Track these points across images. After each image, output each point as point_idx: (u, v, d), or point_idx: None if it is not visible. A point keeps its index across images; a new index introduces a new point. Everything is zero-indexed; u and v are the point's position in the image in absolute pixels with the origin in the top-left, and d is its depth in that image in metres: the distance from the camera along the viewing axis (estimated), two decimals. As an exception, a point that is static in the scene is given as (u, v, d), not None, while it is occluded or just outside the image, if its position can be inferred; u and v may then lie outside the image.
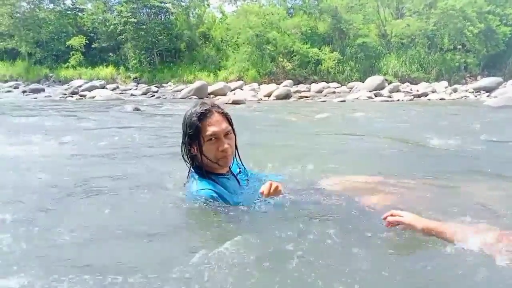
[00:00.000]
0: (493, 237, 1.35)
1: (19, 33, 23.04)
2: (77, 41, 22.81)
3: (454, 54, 21.47)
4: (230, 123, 1.83)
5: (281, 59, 21.29)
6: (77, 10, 25.70)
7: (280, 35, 21.73)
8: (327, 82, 19.52)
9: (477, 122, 6.26)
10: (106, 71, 22.24)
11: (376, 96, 14.31)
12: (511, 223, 1.61)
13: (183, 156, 1.85)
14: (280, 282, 1.18)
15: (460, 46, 21.74)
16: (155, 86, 19.03)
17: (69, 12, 25.31)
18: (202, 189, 1.76)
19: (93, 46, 23.64)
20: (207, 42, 24.34)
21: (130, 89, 18.50)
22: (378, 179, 2.07)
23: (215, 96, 14.60)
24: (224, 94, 14.53)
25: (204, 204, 1.72)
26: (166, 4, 23.80)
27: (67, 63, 22.80)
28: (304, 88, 17.93)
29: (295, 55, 21.40)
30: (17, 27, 23.08)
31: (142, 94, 16.57)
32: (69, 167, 2.81)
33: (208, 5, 26.00)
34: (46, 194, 2.09)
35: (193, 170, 1.86)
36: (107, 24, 23.75)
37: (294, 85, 18.27)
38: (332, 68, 21.18)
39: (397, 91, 15.56)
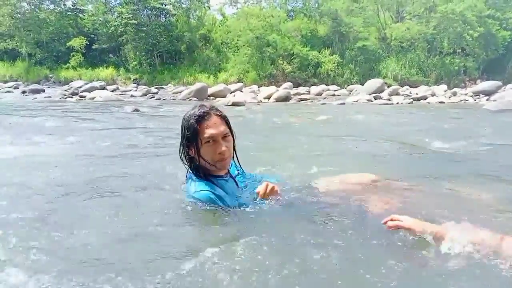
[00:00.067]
0: (494, 241, 1.35)
1: (19, 33, 23.06)
2: (77, 42, 22.83)
3: (454, 58, 21.52)
4: (229, 126, 1.84)
5: (281, 62, 21.33)
6: (78, 11, 25.72)
7: (280, 38, 21.77)
8: (327, 85, 19.56)
9: (476, 125, 6.28)
10: (106, 72, 22.25)
11: (375, 99, 14.33)
12: None
13: (181, 158, 1.87)
14: (280, 283, 1.19)
15: (460, 50, 21.78)
16: (155, 88, 19.05)
17: (69, 13, 25.33)
18: (200, 190, 1.77)
19: (93, 47, 23.67)
20: (207, 44, 24.37)
21: (130, 90, 18.52)
22: (377, 180, 2.07)
23: (215, 98, 14.62)
24: (224, 96, 14.54)
25: (203, 206, 1.73)
26: (167, 6, 23.83)
27: (67, 64, 22.81)
28: (304, 90, 17.94)
29: (295, 58, 21.44)
30: (17, 28, 23.10)
31: (142, 96, 16.59)
32: (74, 167, 2.82)
33: (209, 7, 26.08)
34: (54, 194, 2.11)
35: (191, 171, 1.87)
36: (108, 25, 23.79)
37: (293, 87, 18.29)
38: (332, 71, 21.22)
39: (396, 94, 15.59)
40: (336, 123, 7.09)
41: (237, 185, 1.91)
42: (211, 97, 14.83)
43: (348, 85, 19.88)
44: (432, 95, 15.80)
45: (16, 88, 18.30)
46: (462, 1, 21.49)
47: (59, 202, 1.98)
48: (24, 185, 2.31)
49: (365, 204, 1.81)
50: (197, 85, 15.37)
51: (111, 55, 24.50)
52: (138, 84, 21.26)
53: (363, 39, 22.31)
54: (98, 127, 5.62)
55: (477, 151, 3.84)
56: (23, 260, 1.32)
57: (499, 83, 16.33)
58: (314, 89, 18.13)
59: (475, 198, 2.13)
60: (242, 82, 19.74)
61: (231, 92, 15.92)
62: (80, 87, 16.54)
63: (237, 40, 22.93)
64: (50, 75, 22.59)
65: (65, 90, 16.63)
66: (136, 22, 22.49)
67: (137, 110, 8.65)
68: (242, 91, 16.95)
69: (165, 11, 24.03)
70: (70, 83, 19.52)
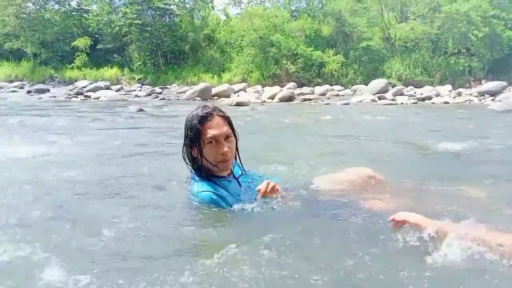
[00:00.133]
0: (497, 239, 1.36)
1: (24, 33, 23.20)
2: (82, 42, 22.94)
3: (458, 58, 21.42)
4: (231, 127, 1.85)
5: (285, 62, 21.32)
6: (82, 11, 25.86)
7: (284, 38, 21.78)
8: (331, 85, 19.53)
9: (481, 125, 6.26)
10: (111, 72, 22.33)
11: (379, 99, 14.28)
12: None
13: (184, 158, 1.88)
14: (281, 283, 1.20)
15: (465, 50, 21.68)
16: (159, 88, 19.09)
17: (74, 13, 25.47)
18: (203, 191, 1.78)
19: (98, 47, 23.78)
20: (211, 44, 24.41)
21: (135, 90, 18.56)
22: (374, 175, 2.07)
23: (219, 98, 14.62)
24: (228, 96, 14.54)
25: (205, 206, 1.75)
26: (171, 6, 23.89)
27: (72, 64, 22.92)
28: (308, 90, 17.91)
29: (299, 58, 21.42)
30: (22, 28, 23.25)
31: (146, 96, 16.62)
32: (87, 166, 2.84)
33: (213, 7, 26.10)
34: (70, 192, 2.16)
35: (194, 172, 1.88)
36: (112, 26, 23.89)
37: (297, 87, 18.27)
38: (335, 71, 21.19)
39: (400, 94, 15.52)
40: (340, 123, 7.08)
41: (240, 185, 1.92)
42: (215, 97, 14.83)
43: (352, 85, 19.85)
44: (437, 95, 15.73)
45: (21, 87, 18.41)
46: (467, 1, 21.40)
47: (76, 201, 2.02)
48: (41, 183, 2.35)
49: (364, 201, 1.82)
50: (201, 85, 15.37)
51: (115, 55, 24.61)
52: (143, 84, 21.32)
53: (367, 39, 22.27)
54: (106, 127, 5.71)
55: (483, 151, 3.83)
56: (50, 257, 1.34)
57: (504, 83, 16.22)
58: (318, 89, 18.10)
59: (477, 197, 2.13)
60: (246, 82, 19.75)
61: (235, 92, 15.92)
62: (84, 87, 16.59)
63: (241, 40, 22.96)
64: (55, 75, 22.71)
65: (70, 90, 16.69)
66: (140, 22, 22.55)
67: (141, 110, 8.68)
68: (246, 91, 16.95)
69: (169, 11, 24.08)
70: (74, 83, 19.59)
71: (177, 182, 2.19)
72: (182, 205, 1.87)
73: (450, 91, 16.97)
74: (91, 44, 23.30)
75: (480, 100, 14.71)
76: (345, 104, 12.86)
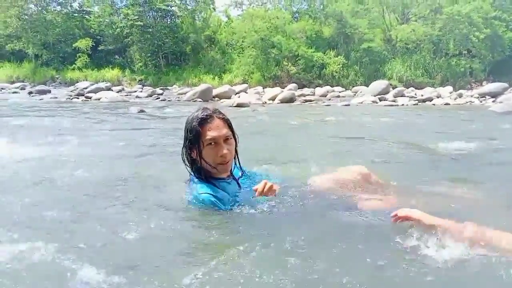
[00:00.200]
0: (500, 238, 1.36)
1: (26, 35, 23.26)
2: (83, 43, 22.97)
3: (460, 60, 21.38)
4: (231, 129, 1.86)
5: (286, 63, 21.33)
6: (84, 12, 25.92)
7: (285, 39, 21.78)
8: (332, 86, 19.51)
9: (482, 127, 6.25)
10: (112, 73, 22.37)
11: (380, 101, 14.28)
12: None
13: (183, 160, 1.89)
14: (281, 283, 1.20)
15: (466, 52, 21.64)
16: (160, 89, 19.11)
17: (76, 14, 25.54)
18: (201, 193, 1.79)
19: (99, 48, 23.82)
20: (212, 46, 24.43)
21: (136, 92, 18.60)
22: (368, 174, 2.08)
23: (220, 99, 14.64)
24: (229, 97, 14.56)
25: (203, 208, 1.76)
26: (172, 8, 23.92)
27: (74, 65, 22.96)
28: (309, 92, 17.91)
29: (299, 59, 21.43)
30: (24, 29, 23.32)
31: (147, 97, 16.67)
32: (96, 168, 2.87)
33: (214, 8, 26.13)
34: (80, 193, 2.20)
35: (193, 174, 1.89)
36: (114, 27, 23.93)
37: (298, 88, 18.27)
38: (336, 72, 21.18)
39: (401, 96, 15.52)
40: (341, 125, 7.09)
41: (239, 186, 1.93)
42: (216, 98, 14.85)
43: (353, 86, 19.84)
44: (438, 97, 15.72)
45: (22, 89, 18.47)
46: (468, 3, 21.38)
47: (87, 201, 2.06)
48: (53, 184, 2.39)
49: (360, 199, 1.83)
50: (202, 86, 15.40)
51: (116, 56, 24.64)
52: (144, 85, 21.36)
53: (368, 41, 22.26)
54: (109, 128, 5.78)
55: (484, 153, 3.83)
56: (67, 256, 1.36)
57: (506, 84, 16.20)
58: (319, 91, 18.10)
59: (479, 197, 2.15)
60: (247, 83, 19.76)
61: (236, 94, 15.94)
62: (86, 88, 16.63)
63: (242, 42, 22.97)
64: (56, 76, 22.75)
65: (71, 91, 16.73)
66: (141, 23, 22.59)
67: (142, 111, 8.71)
68: (246, 92, 16.97)
69: (171, 12, 24.12)
70: (76, 84, 19.63)
71: (182, 183, 2.20)
72: (182, 207, 1.87)
73: (451, 93, 16.96)
74: (92, 45, 23.34)
75: (481, 102, 14.70)
76: (345, 105, 12.86)
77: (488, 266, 1.26)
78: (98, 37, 24.34)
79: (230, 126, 1.86)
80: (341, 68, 21.25)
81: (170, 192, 2.16)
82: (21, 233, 1.56)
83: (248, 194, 1.85)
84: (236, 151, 1.91)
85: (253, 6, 26.59)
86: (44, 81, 21.93)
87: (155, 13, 23.82)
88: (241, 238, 1.55)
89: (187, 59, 23.94)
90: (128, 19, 22.87)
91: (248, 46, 22.35)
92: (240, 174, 2.00)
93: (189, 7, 24.79)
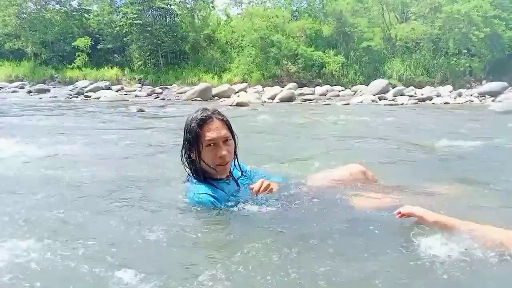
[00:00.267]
0: (501, 236, 1.36)
1: (25, 33, 23.19)
2: (82, 42, 22.91)
3: (459, 59, 21.38)
4: (231, 130, 1.85)
5: (286, 62, 21.30)
6: (83, 11, 25.84)
7: (285, 38, 21.75)
8: (331, 85, 19.52)
9: (482, 126, 6.25)
10: (111, 72, 22.32)
11: (380, 100, 14.30)
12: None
13: (182, 160, 1.88)
14: (280, 282, 1.19)
15: (465, 51, 21.64)
16: (160, 88, 19.10)
17: (75, 13, 25.46)
18: (200, 193, 1.78)
19: (98, 47, 23.75)
20: (212, 44, 24.38)
21: (135, 91, 18.59)
22: (365, 172, 2.07)
23: (219, 98, 14.63)
24: (228, 96, 14.56)
25: (202, 208, 1.76)
26: (172, 6, 23.86)
27: (73, 64, 22.89)
28: (308, 91, 17.92)
29: (299, 58, 21.41)
30: (23, 28, 23.24)
31: (146, 96, 16.67)
32: (101, 167, 2.88)
33: (214, 7, 26.07)
34: (87, 192, 2.21)
35: (192, 174, 1.88)
36: (113, 26, 23.86)
37: (298, 88, 18.28)
38: (336, 71, 21.17)
39: (401, 95, 15.54)
40: (340, 124, 7.08)
41: (238, 187, 1.92)
42: (216, 97, 14.85)
43: (353, 85, 19.84)
44: (437, 96, 15.75)
45: (21, 88, 18.44)
46: (468, 2, 21.39)
47: (91, 203, 2.04)
48: (59, 183, 2.39)
49: (356, 197, 1.83)
50: (202, 85, 15.41)
51: (116, 55, 24.57)
52: (143, 84, 21.33)
53: (368, 40, 22.25)
54: (109, 127, 5.83)
55: (484, 152, 3.85)
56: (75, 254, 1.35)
57: (505, 83, 16.23)
58: (319, 90, 18.11)
59: (479, 196, 2.15)
60: (247, 83, 19.75)
61: (236, 93, 15.94)
62: (85, 87, 16.63)
63: (242, 40, 22.95)
64: (56, 75, 22.68)
65: (71, 90, 16.72)
66: (141, 22, 22.52)
67: (141, 110, 8.71)
68: (246, 92, 16.97)
69: (170, 11, 24.05)
70: (75, 83, 19.61)
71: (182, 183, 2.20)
72: (182, 206, 1.86)
73: (450, 92, 16.98)
74: (91, 44, 23.26)
75: (481, 101, 14.72)
76: (345, 104, 12.87)
77: (490, 263, 1.26)
78: (97, 36, 24.27)
79: (229, 127, 1.85)
80: (341, 67, 21.24)
81: (172, 192, 2.15)
82: (26, 232, 1.56)
83: (248, 195, 1.85)
84: (235, 152, 1.90)
85: (253, 5, 26.56)
86: (43, 80, 21.86)
87: (154, 12, 23.74)
88: (240, 237, 1.54)
89: (187, 58, 23.89)
90: (127, 17, 22.79)
91: (248, 45, 22.34)
92: (239, 174, 1.99)
93: (188, 6, 24.72)
